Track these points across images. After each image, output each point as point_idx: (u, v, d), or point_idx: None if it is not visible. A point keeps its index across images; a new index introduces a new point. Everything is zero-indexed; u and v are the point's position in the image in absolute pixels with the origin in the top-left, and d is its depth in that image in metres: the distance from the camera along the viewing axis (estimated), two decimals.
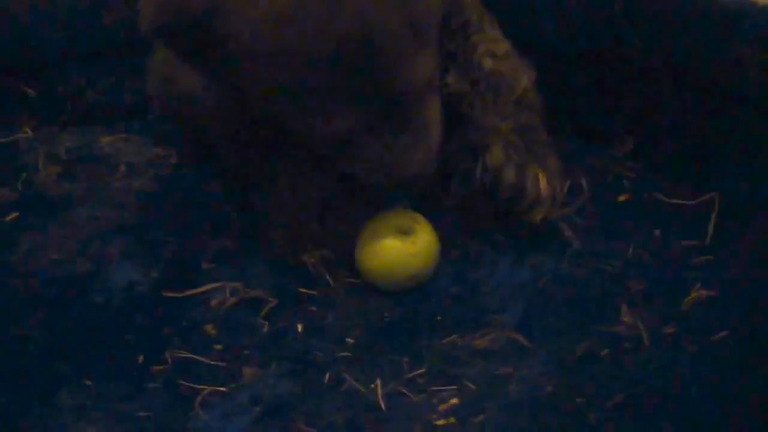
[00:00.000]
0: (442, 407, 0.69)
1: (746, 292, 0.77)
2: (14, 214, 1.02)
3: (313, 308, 0.79)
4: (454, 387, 0.70)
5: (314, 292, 0.81)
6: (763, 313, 0.75)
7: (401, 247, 0.78)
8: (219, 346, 0.76)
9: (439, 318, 0.78)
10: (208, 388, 0.72)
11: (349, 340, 0.76)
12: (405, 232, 0.79)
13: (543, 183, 0.82)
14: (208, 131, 1.02)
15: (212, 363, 0.75)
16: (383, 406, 0.69)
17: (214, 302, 0.80)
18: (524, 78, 0.87)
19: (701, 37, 0.86)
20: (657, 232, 0.88)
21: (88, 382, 0.74)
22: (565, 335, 0.74)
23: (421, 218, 0.81)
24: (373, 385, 0.71)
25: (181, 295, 0.82)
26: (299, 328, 0.77)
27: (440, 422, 0.67)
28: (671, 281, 0.80)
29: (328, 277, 0.83)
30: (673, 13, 0.88)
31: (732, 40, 0.83)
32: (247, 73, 0.72)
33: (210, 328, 0.78)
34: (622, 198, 0.95)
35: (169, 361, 0.75)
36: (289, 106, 0.73)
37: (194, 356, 0.75)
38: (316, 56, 0.68)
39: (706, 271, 0.81)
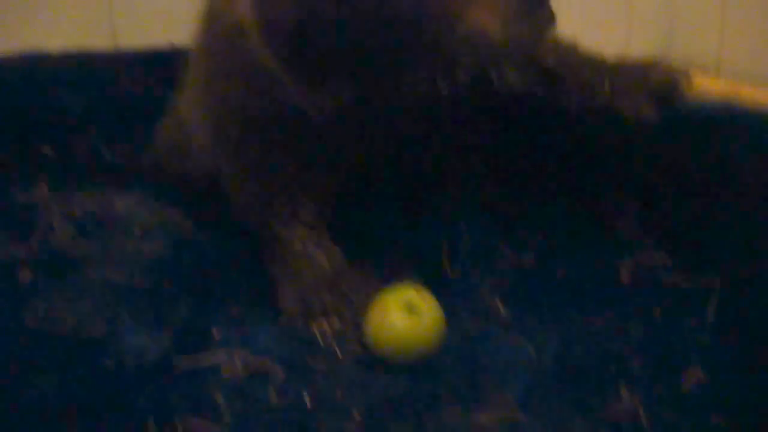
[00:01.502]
0: None
1: (745, 376, 0.78)
2: (29, 275, 1.04)
3: (321, 380, 0.80)
4: None
5: (322, 365, 0.82)
6: (762, 398, 0.76)
7: (409, 324, 0.80)
8: (227, 415, 0.78)
9: (442, 393, 0.79)
10: None
11: (355, 413, 0.77)
12: (412, 309, 0.81)
13: None
14: (223, 190, 1.04)
15: None
16: None
17: (223, 370, 0.81)
18: None
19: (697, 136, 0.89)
20: (657, 311, 0.89)
21: None
22: (565, 415, 0.76)
23: (427, 294, 0.83)
24: None
25: (191, 362, 0.83)
26: (307, 400, 0.78)
27: None
28: (671, 362, 0.81)
29: (336, 348, 0.84)
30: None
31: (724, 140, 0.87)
32: None
33: (219, 397, 0.79)
34: (625, 276, 0.96)
35: (179, 428, 0.76)
36: None
37: (203, 424, 0.76)
38: None
39: (705, 353, 0.82)
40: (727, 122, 0.92)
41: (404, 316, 0.80)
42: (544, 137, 1.03)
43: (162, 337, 0.88)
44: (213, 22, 0.92)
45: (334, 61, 0.83)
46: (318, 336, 0.86)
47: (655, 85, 0.94)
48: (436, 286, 0.94)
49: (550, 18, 0.80)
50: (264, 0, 0.84)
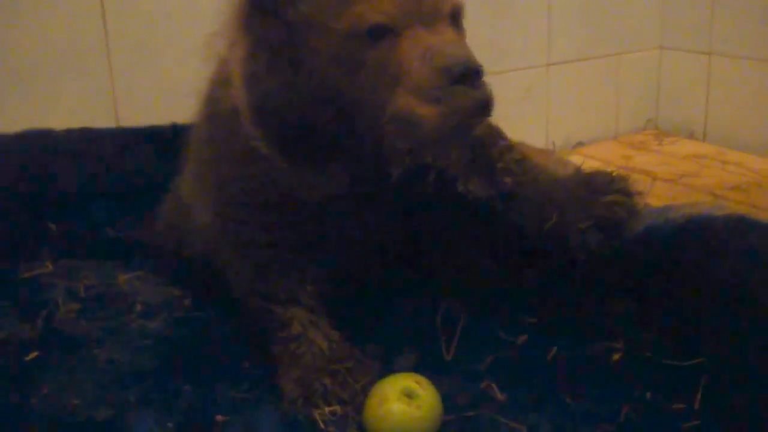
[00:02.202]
0: None
1: None
2: (35, 354, 1.06)
3: None
4: None
5: None
6: None
7: (407, 412, 0.83)
8: None
9: None
10: None
11: None
12: (410, 396, 0.84)
13: None
14: (221, 269, 1.07)
15: None
16: None
17: None
18: None
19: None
20: (648, 395, 0.91)
21: None
22: None
23: (425, 381, 0.86)
24: None
25: None
26: None
27: None
28: None
29: None
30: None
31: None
32: None
33: None
34: (615, 357, 0.99)
35: None
36: None
37: None
38: None
39: None
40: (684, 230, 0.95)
41: (402, 404, 0.83)
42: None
43: (168, 422, 0.90)
44: (212, 108, 0.96)
45: (317, 143, 0.87)
46: (319, 421, 0.88)
47: (603, 211, 0.95)
48: (434, 369, 0.98)
49: (487, 101, 0.82)
50: (251, 86, 0.88)
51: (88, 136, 1.35)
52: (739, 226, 0.91)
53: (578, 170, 1.00)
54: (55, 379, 1.01)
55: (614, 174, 0.98)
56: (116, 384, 0.99)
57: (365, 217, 0.97)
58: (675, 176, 1.80)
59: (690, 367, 0.94)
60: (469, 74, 0.78)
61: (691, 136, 2.11)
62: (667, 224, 0.96)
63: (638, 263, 0.99)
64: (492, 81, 0.82)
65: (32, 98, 1.37)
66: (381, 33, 0.81)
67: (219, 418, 0.90)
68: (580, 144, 2.07)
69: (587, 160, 1.74)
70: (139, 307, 1.18)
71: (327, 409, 0.90)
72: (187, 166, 1.11)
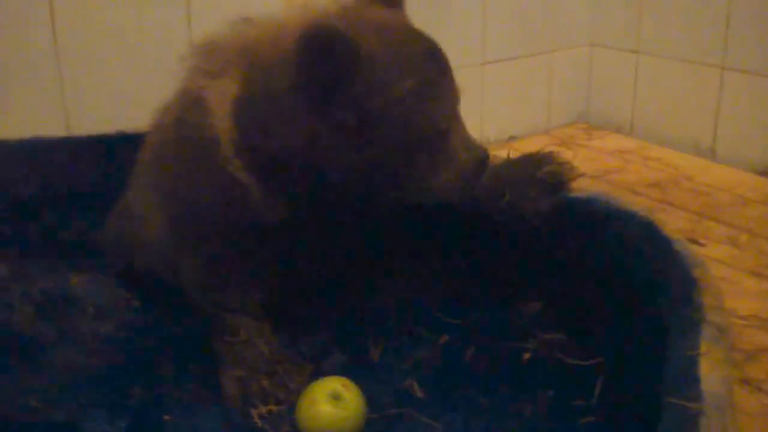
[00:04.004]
0: None
1: None
2: None
3: None
4: None
5: None
6: None
7: (334, 412, 0.94)
8: None
9: None
10: None
11: None
12: (337, 398, 0.94)
13: None
14: (170, 276, 1.16)
15: None
16: None
17: None
18: None
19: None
20: (551, 393, 1.03)
21: None
22: None
23: (350, 383, 0.97)
24: None
25: None
26: None
27: None
28: None
29: (272, 431, 0.97)
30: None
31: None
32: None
33: None
34: (526, 356, 1.11)
35: None
36: None
37: None
38: None
39: (589, 431, 0.96)
40: (609, 221, 1.06)
41: (330, 406, 0.93)
42: (459, 237, 1.17)
43: (119, 423, 0.99)
44: (183, 131, 1.03)
45: (300, 187, 0.97)
46: (256, 419, 0.98)
47: (545, 177, 1.09)
48: (361, 369, 1.08)
49: (484, 158, 1.00)
50: (247, 125, 0.97)
51: (39, 145, 1.41)
52: (652, 232, 1.02)
53: (509, 158, 1.14)
54: (11, 382, 1.08)
55: (543, 152, 1.14)
56: (71, 386, 1.07)
57: (323, 235, 1.06)
58: (600, 172, 1.92)
59: (589, 366, 1.05)
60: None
61: (618, 129, 2.23)
62: (589, 210, 1.09)
63: (548, 264, 1.11)
64: None
65: None
66: (446, 131, 0.96)
67: (166, 417, 0.99)
68: (513, 138, 2.17)
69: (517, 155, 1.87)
70: (91, 310, 1.25)
71: (264, 409, 0.99)
72: (140, 178, 1.18)
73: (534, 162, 1.11)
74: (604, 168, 1.93)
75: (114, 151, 1.43)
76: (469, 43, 2.01)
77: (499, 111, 2.12)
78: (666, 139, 2.11)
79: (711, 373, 0.71)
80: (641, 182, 1.83)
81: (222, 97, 0.96)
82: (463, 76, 2.00)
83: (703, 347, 0.74)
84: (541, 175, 1.09)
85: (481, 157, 1.00)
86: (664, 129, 2.12)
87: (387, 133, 0.91)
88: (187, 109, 1.02)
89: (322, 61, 0.88)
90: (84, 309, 1.26)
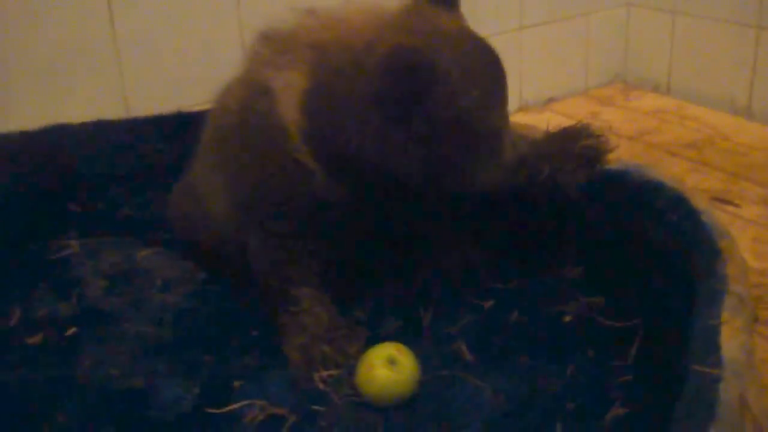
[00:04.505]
0: None
1: (659, 410, 1.00)
2: (73, 329, 1.24)
3: (323, 423, 1.01)
4: None
5: (323, 409, 1.04)
6: None
7: (390, 376, 1.02)
8: None
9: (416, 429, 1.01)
10: None
11: None
12: (392, 362, 1.03)
13: None
14: (232, 250, 1.24)
15: None
16: None
17: (246, 419, 1.02)
18: None
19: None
20: (591, 353, 1.10)
21: None
22: None
23: (405, 349, 1.05)
24: None
25: (219, 411, 1.04)
26: None
27: None
28: (599, 399, 1.03)
29: (334, 393, 1.06)
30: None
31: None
32: None
33: None
34: (566, 319, 1.18)
35: None
36: None
37: None
38: None
39: (627, 390, 1.04)
40: (638, 192, 1.13)
41: (386, 370, 1.02)
42: (501, 209, 1.24)
43: (192, 389, 1.08)
44: (250, 117, 1.11)
45: (365, 178, 1.06)
46: (318, 382, 1.07)
47: (582, 151, 1.16)
48: (414, 333, 1.17)
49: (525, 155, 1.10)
50: (316, 119, 1.05)
51: (101, 127, 1.51)
52: (681, 203, 1.09)
53: (547, 132, 1.20)
54: (93, 352, 1.17)
55: (581, 124, 1.19)
56: (145, 355, 1.15)
57: (379, 213, 1.14)
58: (636, 133, 1.97)
59: (626, 328, 1.13)
60: None
61: (656, 89, 2.27)
62: (623, 181, 1.16)
63: (592, 225, 1.19)
64: None
65: (48, 95, 1.52)
66: (499, 132, 1.05)
67: (236, 383, 1.08)
68: (551, 100, 2.22)
69: (558, 117, 1.93)
70: (158, 282, 1.35)
71: (325, 373, 1.08)
72: (203, 158, 1.26)
73: (571, 136, 1.17)
74: (641, 128, 1.98)
75: (172, 130, 1.52)
76: (507, 9, 2.05)
77: (537, 74, 2.17)
78: (703, 98, 2.15)
79: (730, 341, 0.78)
80: (678, 143, 1.88)
81: (289, 89, 1.04)
82: (501, 41, 2.06)
83: (725, 316, 0.81)
84: (578, 149, 1.15)
85: (523, 154, 1.08)
86: (700, 88, 2.16)
87: (453, 139, 0.99)
88: (254, 96, 1.09)
89: (404, 83, 0.96)
90: (152, 281, 1.35)
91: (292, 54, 1.08)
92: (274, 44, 1.10)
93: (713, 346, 0.78)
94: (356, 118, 1.01)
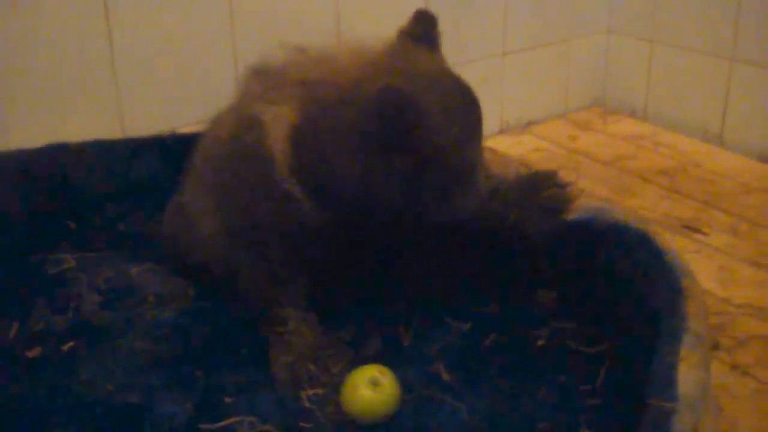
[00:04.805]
0: None
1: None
2: (70, 343, 1.29)
3: None
4: None
5: (309, 425, 1.10)
6: None
7: (372, 396, 1.09)
8: None
9: None
10: None
11: None
12: (375, 383, 1.09)
13: None
14: (231, 278, 1.30)
15: None
16: None
17: None
18: None
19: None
20: (562, 378, 1.18)
21: None
22: None
23: (387, 371, 1.12)
24: None
25: (213, 427, 1.10)
26: None
27: None
28: (568, 421, 1.10)
29: (319, 413, 1.12)
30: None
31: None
32: None
33: None
34: (539, 343, 1.26)
35: None
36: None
37: None
38: None
39: (593, 413, 1.11)
40: (605, 233, 1.21)
41: (369, 390, 1.09)
42: (476, 245, 1.31)
43: (186, 405, 1.14)
44: (239, 148, 1.17)
45: (349, 206, 1.13)
46: (305, 400, 1.14)
47: (548, 201, 1.22)
48: (395, 353, 1.23)
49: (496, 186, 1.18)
50: (304, 152, 1.12)
51: (99, 146, 1.57)
52: (646, 243, 1.16)
53: (519, 174, 1.26)
54: (89, 367, 1.22)
55: (548, 172, 1.25)
56: (140, 371, 1.20)
57: (361, 238, 1.20)
58: (612, 158, 2.05)
59: (595, 353, 1.20)
60: None
61: (633, 114, 2.35)
62: (589, 228, 1.22)
63: (563, 261, 1.26)
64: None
65: (47, 114, 1.58)
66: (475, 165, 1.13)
67: (227, 399, 1.14)
68: (531, 123, 2.30)
69: (536, 140, 2.00)
70: (151, 299, 1.40)
71: (311, 391, 1.15)
72: (194, 183, 1.31)
73: (537, 184, 1.23)
74: (617, 154, 2.06)
75: (167, 149, 1.58)
76: (491, 36, 2.13)
77: (518, 98, 2.24)
78: (677, 125, 2.23)
79: (686, 375, 0.86)
80: (651, 169, 1.96)
81: (279, 122, 1.11)
82: (484, 66, 2.14)
83: (682, 353, 0.89)
84: (543, 199, 1.21)
85: (494, 185, 1.16)
86: (675, 115, 2.24)
87: (433, 172, 1.06)
88: (245, 128, 1.15)
89: (390, 123, 1.02)
90: (145, 297, 1.40)
91: (282, 89, 1.14)
92: (265, 79, 1.17)
93: (670, 382, 0.85)
94: (342, 152, 1.08)
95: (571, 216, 1.20)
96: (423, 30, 1.14)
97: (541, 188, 1.21)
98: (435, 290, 1.31)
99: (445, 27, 1.17)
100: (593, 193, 1.75)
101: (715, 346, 1.14)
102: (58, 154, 1.53)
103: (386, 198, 1.10)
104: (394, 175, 1.08)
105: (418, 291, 1.31)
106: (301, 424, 1.10)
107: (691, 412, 0.81)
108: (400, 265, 1.28)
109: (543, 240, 1.19)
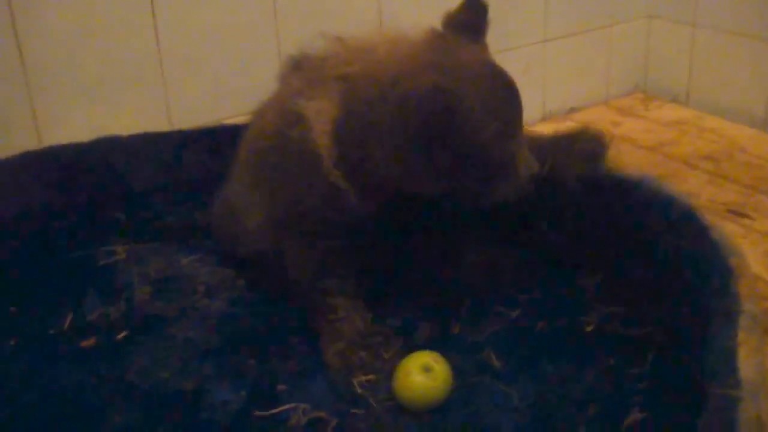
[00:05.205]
0: None
1: (675, 416, 1.06)
2: (124, 333, 1.31)
3: (362, 425, 1.09)
4: None
5: (362, 412, 1.11)
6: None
7: (425, 382, 1.10)
8: None
9: None
10: None
11: None
12: (428, 370, 1.10)
13: None
14: (279, 269, 1.32)
15: None
16: None
17: (291, 421, 1.10)
18: None
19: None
20: (611, 361, 1.18)
21: None
22: None
23: (439, 357, 1.13)
24: None
25: (266, 413, 1.12)
26: None
27: None
28: (618, 405, 1.10)
29: (371, 397, 1.14)
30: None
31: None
32: None
33: None
34: (588, 329, 1.26)
35: None
36: None
37: None
38: None
39: (644, 396, 1.11)
40: (645, 198, 1.21)
41: (422, 376, 1.10)
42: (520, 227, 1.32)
43: (239, 392, 1.16)
44: (284, 142, 1.19)
45: (392, 197, 1.14)
46: (356, 387, 1.15)
47: (583, 148, 1.25)
48: (445, 341, 1.24)
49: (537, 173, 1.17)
50: (347, 146, 1.13)
51: (148, 139, 1.59)
52: (693, 219, 1.16)
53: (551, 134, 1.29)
54: (143, 355, 1.24)
55: (581, 126, 1.29)
56: (193, 359, 1.23)
57: (407, 227, 1.22)
58: (656, 144, 2.04)
59: (643, 336, 1.20)
60: None
61: (675, 99, 2.34)
62: (628, 198, 1.24)
63: (607, 244, 1.27)
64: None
65: (98, 109, 1.61)
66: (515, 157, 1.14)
67: (281, 387, 1.16)
68: (573, 110, 2.29)
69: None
70: (201, 289, 1.42)
71: (363, 377, 1.16)
72: (240, 176, 1.34)
73: (572, 136, 1.27)
74: (660, 139, 2.05)
75: (213, 141, 1.60)
76: (532, 23, 2.12)
77: (560, 85, 2.24)
78: (721, 110, 2.21)
79: (746, 361, 0.85)
80: (696, 154, 1.94)
81: (321, 117, 1.12)
82: (526, 53, 2.14)
83: (740, 337, 0.88)
84: (577, 147, 1.24)
85: (536, 172, 1.16)
86: (719, 99, 2.22)
87: (473, 167, 1.07)
88: (289, 124, 1.17)
89: (433, 122, 1.04)
90: (195, 287, 1.42)
91: (322, 85, 1.16)
92: (305, 74, 1.18)
93: (731, 368, 0.85)
94: (383, 148, 1.10)
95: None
96: (472, 18, 1.15)
97: (575, 139, 1.23)
98: (477, 276, 1.31)
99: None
100: None
101: (765, 334, 1.13)
102: (107, 147, 1.55)
103: (426, 191, 1.12)
104: (435, 169, 1.09)
105: (464, 278, 1.31)
106: (353, 410, 1.11)
107: (754, 399, 0.80)
108: (442, 253, 1.29)
109: (577, 186, 1.19)
